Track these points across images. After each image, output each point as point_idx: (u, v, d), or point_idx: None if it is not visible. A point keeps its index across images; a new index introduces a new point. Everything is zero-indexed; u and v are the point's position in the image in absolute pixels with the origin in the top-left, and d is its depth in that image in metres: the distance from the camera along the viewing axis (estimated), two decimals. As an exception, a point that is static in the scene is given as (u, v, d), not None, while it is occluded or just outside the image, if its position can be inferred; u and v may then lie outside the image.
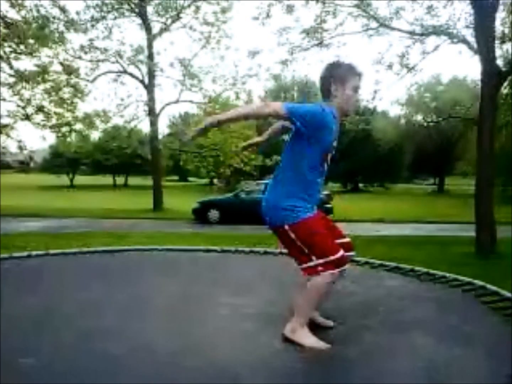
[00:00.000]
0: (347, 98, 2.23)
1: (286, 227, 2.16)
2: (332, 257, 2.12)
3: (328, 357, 2.10)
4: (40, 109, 13.31)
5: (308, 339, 2.15)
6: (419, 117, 39.24)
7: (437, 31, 9.61)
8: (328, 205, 15.44)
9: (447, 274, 3.37)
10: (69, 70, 14.31)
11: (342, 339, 2.27)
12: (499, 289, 2.94)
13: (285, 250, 2.49)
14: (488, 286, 3.04)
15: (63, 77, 14.03)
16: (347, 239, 2.38)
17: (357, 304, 2.81)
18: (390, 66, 10.56)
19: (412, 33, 9.98)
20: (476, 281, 3.15)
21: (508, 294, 2.84)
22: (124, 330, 2.31)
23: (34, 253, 4.13)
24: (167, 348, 2.11)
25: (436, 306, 2.80)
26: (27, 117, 13.70)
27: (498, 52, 9.24)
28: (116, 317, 2.51)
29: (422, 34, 9.88)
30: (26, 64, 16.69)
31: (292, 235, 2.16)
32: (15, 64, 12.51)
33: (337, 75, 2.22)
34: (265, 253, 4.36)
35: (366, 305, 2.78)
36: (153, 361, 1.96)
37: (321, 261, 2.11)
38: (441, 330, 2.39)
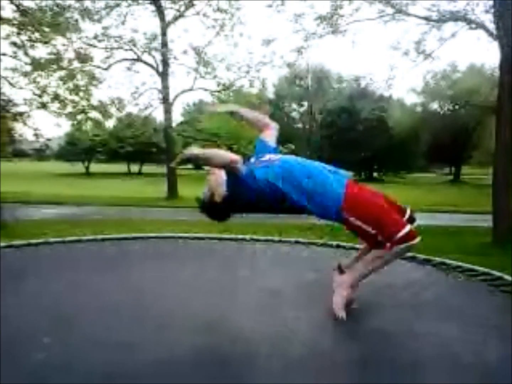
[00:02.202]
0: None
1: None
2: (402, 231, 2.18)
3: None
4: (56, 97, 13.37)
5: (340, 299, 2.30)
6: (435, 105, 38.75)
7: (454, 17, 9.42)
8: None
9: (463, 264, 3.33)
10: (83, 58, 14.34)
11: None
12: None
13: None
14: (506, 276, 3.00)
15: (78, 65, 14.07)
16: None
17: (375, 290, 2.78)
18: (406, 53, 10.41)
19: (428, 19, 9.78)
20: (493, 272, 3.11)
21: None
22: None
23: (51, 240, 4.18)
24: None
25: (453, 295, 2.77)
26: (43, 106, 13.78)
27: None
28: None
29: (439, 20, 9.69)
30: (41, 52, 16.72)
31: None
32: (31, 52, 12.59)
33: None
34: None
35: (383, 291, 2.76)
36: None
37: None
38: (460, 318, 2.37)
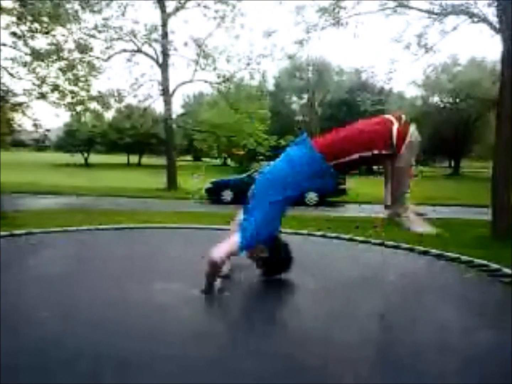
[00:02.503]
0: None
1: None
2: None
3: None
4: (55, 87, 13.35)
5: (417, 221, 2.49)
6: (435, 99, 38.66)
7: (456, 10, 9.39)
8: (343, 186, 15.41)
9: (462, 256, 3.36)
10: (83, 49, 14.30)
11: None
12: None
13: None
14: (504, 269, 3.02)
15: (77, 55, 14.04)
16: None
17: (372, 280, 2.81)
18: (407, 46, 10.39)
19: (430, 12, 9.76)
20: (491, 264, 3.13)
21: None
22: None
23: (51, 229, 4.19)
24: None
25: (452, 285, 2.80)
26: (42, 96, 13.75)
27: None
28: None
29: (441, 14, 9.67)
30: (41, 42, 16.64)
31: None
32: (31, 42, 12.55)
33: None
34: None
35: (379, 283, 2.78)
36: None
37: None
38: (458, 307, 2.40)
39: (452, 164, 43.17)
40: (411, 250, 3.69)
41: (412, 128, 2.28)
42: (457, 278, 3.07)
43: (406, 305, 2.53)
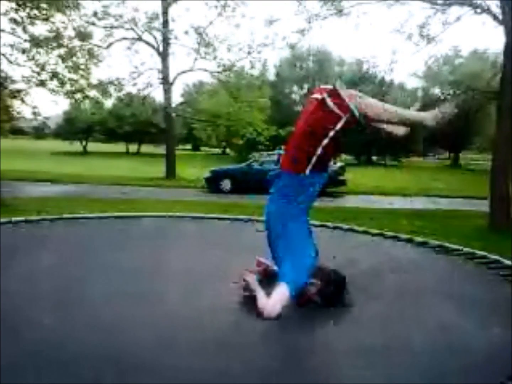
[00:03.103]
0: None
1: None
2: None
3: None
4: (54, 75, 13.25)
5: None
6: (436, 90, 38.50)
7: (459, 0, 9.31)
8: (341, 177, 15.40)
9: (462, 247, 3.37)
10: (82, 36, 14.20)
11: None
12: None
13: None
14: (502, 260, 3.04)
15: (77, 43, 13.93)
16: None
17: (369, 271, 2.82)
18: (409, 37, 10.30)
19: (433, 2, 9.67)
20: (490, 255, 3.15)
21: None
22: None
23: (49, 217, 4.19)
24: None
25: (450, 277, 2.81)
26: (41, 83, 13.66)
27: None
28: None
29: (444, 4, 9.58)
30: (40, 29, 16.50)
31: None
32: (30, 29, 12.44)
33: None
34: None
35: (377, 273, 2.80)
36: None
37: None
38: (454, 299, 2.41)
39: (452, 156, 43.08)
40: (410, 240, 3.70)
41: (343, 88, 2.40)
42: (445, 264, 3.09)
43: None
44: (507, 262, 3.03)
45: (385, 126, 2.44)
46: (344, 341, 2.00)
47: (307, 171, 2.25)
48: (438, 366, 1.73)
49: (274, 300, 2.15)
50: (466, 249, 3.37)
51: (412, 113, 2.38)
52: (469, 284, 2.73)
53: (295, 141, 2.35)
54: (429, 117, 2.36)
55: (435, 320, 2.20)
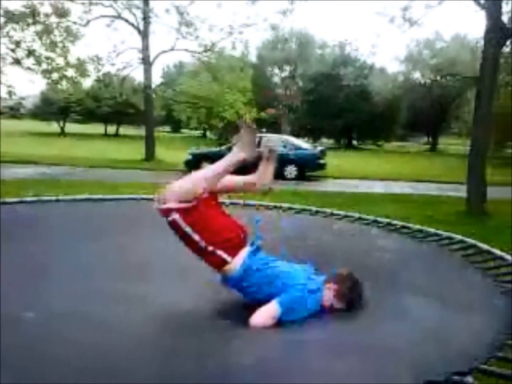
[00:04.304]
0: (329, 300, 2.23)
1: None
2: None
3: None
4: (30, 52, 12.91)
5: None
6: (417, 74, 38.73)
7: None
8: (321, 161, 15.45)
9: (440, 232, 3.41)
10: (60, 12, 13.80)
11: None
12: (490, 248, 2.99)
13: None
14: (479, 244, 3.08)
15: (54, 19, 13.55)
16: None
17: (346, 258, 2.84)
18: (392, 20, 10.29)
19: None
20: (467, 239, 3.19)
21: (498, 253, 2.89)
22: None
23: (28, 199, 4.10)
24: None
25: (425, 262, 2.84)
26: (17, 61, 13.28)
27: (504, 8, 8.99)
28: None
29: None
30: (15, 4, 16.00)
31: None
32: (4, 3, 12.05)
33: (343, 289, 2.24)
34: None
35: (355, 260, 2.81)
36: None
37: None
38: (427, 285, 2.44)
39: (431, 140, 43.59)
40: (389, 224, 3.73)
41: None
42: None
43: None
44: (471, 241, 3.11)
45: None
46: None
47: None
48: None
49: (259, 313, 2.12)
50: (430, 230, 3.44)
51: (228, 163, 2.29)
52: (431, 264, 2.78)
53: None
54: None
55: (391, 304, 2.21)
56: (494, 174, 11.16)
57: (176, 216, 2.18)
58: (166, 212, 2.20)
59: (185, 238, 2.21)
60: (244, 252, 2.25)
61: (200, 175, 2.31)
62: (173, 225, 2.20)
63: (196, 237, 2.18)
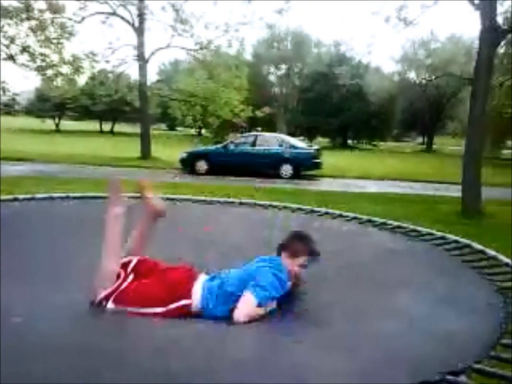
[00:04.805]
0: (293, 270, 2.31)
1: None
2: None
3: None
4: (24, 48, 12.82)
5: None
6: (412, 74, 38.83)
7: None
8: (317, 160, 15.45)
9: (434, 232, 3.41)
10: (54, 8, 13.72)
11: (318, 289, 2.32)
12: (484, 248, 2.99)
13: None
14: (474, 244, 3.08)
15: (49, 15, 13.46)
16: None
17: (340, 257, 2.83)
18: (387, 20, 10.29)
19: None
20: (461, 239, 3.19)
21: (492, 252, 2.89)
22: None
23: (21, 197, 4.06)
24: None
25: (418, 262, 2.84)
26: (11, 57, 13.19)
27: (499, 9, 9.03)
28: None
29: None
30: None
31: None
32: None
33: (296, 247, 2.33)
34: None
35: (348, 259, 2.81)
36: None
37: None
38: (420, 286, 2.44)
39: (426, 140, 43.70)
40: (384, 224, 3.73)
41: None
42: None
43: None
44: (465, 241, 3.12)
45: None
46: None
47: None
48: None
49: (239, 307, 2.11)
50: (423, 230, 3.45)
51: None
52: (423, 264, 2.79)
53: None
54: None
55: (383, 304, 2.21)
56: (490, 175, 11.18)
57: (111, 305, 2.10)
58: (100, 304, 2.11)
59: (141, 315, 2.08)
60: (198, 284, 2.21)
61: (102, 255, 2.20)
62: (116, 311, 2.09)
63: (146, 310, 2.09)
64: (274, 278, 2.17)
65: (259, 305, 2.11)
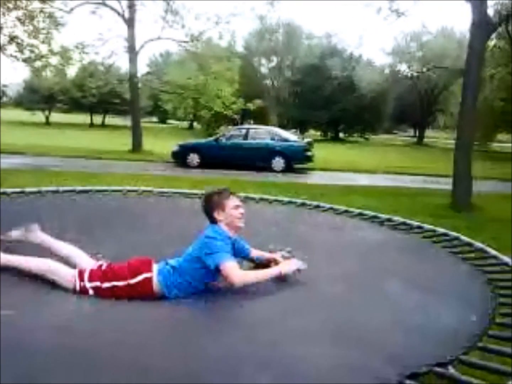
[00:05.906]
0: (231, 217, 2.38)
1: None
2: None
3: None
4: (12, 39, 12.61)
5: None
6: (404, 67, 38.88)
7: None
8: (309, 153, 15.43)
9: (423, 225, 3.42)
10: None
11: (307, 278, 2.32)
12: (472, 241, 3.01)
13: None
14: (462, 237, 3.10)
15: (37, 5, 13.25)
16: None
17: (330, 250, 2.84)
18: (378, 11, 10.28)
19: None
20: (450, 232, 3.21)
21: (480, 245, 2.91)
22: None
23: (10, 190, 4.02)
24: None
25: (407, 254, 2.85)
26: (-2, 47, 13.00)
27: (489, 2, 9.05)
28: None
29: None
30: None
31: None
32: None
33: (215, 203, 2.39)
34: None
35: (338, 252, 2.81)
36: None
37: None
38: (409, 277, 2.44)
39: (417, 133, 43.87)
40: (376, 217, 3.74)
41: None
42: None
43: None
44: (454, 234, 3.14)
45: None
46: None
47: None
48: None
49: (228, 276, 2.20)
50: (413, 223, 3.46)
51: None
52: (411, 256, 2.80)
53: None
54: None
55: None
56: (480, 168, 11.24)
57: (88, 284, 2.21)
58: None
59: (111, 292, 2.19)
60: (158, 265, 2.32)
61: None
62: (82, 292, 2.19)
63: (112, 283, 2.20)
64: (212, 239, 2.25)
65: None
